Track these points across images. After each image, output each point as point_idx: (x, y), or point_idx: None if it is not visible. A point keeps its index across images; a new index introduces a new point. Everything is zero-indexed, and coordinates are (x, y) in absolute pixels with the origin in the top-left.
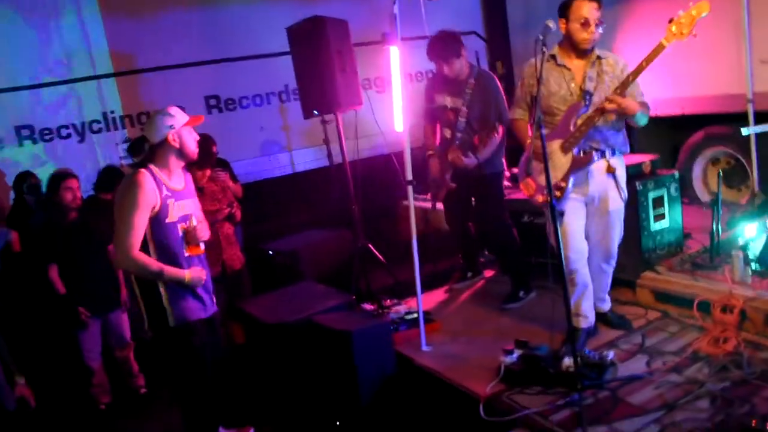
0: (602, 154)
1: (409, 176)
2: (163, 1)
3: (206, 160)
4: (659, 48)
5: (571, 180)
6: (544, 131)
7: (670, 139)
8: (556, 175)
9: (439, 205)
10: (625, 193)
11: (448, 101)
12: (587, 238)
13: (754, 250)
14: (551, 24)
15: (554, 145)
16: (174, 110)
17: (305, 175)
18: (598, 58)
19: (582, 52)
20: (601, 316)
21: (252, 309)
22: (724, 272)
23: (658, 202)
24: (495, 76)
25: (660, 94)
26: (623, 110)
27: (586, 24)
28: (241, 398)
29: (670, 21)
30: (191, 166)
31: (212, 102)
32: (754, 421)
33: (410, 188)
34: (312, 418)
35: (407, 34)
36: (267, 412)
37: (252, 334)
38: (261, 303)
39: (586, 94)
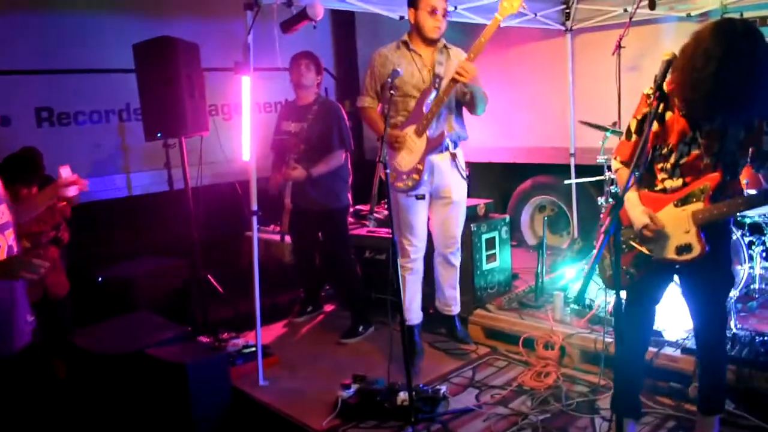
0: (447, 145)
1: (254, 206)
2: None
3: (32, 176)
4: (495, 22)
5: (427, 162)
6: (400, 119)
7: (501, 185)
8: (413, 159)
9: (287, 238)
10: (465, 174)
11: (291, 127)
12: (431, 230)
13: (573, 292)
14: (400, 69)
15: (409, 131)
16: None
17: (143, 199)
18: (445, 47)
19: (430, 41)
20: (448, 320)
21: (79, 340)
22: (546, 311)
23: (490, 243)
24: (341, 107)
25: (494, 143)
26: (472, 75)
27: (433, 12)
28: None
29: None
30: (16, 182)
31: (44, 114)
32: None
33: (255, 218)
34: None
35: (260, 65)
36: None
37: (77, 368)
38: (89, 334)
39: (436, 78)
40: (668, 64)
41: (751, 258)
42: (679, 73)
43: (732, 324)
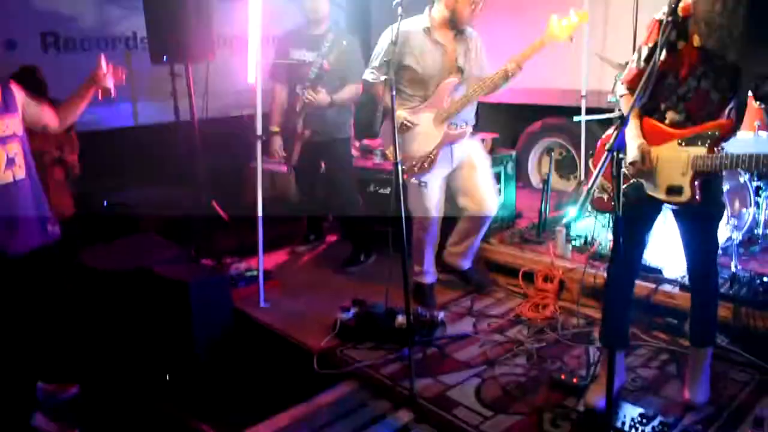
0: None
1: (259, 131)
2: None
3: (35, 92)
4: (538, 45)
5: (440, 153)
6: (416, 104)
7: (510, 125)
8: (428, 146)
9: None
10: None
11: (306, 55)
12: (463, 194)
13: (576, 229)
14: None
15: (427, 117)
16: None
17: (149, 128)
18: (460, 32)
19: (459, 31)
20: (460, 274)
21: (84, 257)
22: (548, 247)
23: (495, 178)
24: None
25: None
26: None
27: (475, 4)
28: (66, 350)
29: (551, 21)
30: None
31: (49, 39)
32: (562, 375)
33: (259, 143)
34: (143, 372)
35: None
36: (95, 367)
37: (82, 284)
38: (94, 252)
39: (459, 70)
40: None
41: (757, 204)
42: (697, 8)
43: (732, 265)
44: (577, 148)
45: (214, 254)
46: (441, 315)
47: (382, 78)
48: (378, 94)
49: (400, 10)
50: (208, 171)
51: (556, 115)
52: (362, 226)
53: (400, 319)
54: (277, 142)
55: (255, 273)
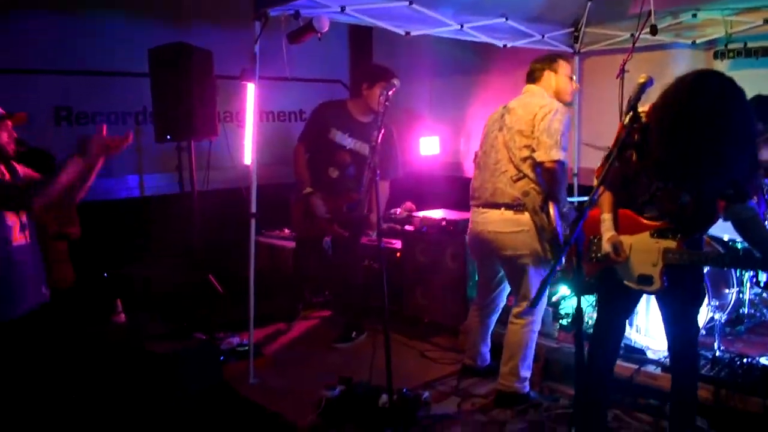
0: None
1: (253, 209)
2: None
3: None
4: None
5: None
6: None
7: None
8: None
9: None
10: None
11: (348, 142)
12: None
13: (565, 308)
14: (396, 82)
15: None
16: None
17: (154, 200)
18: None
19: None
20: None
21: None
22: None
23: None
24: None
25: None
26: None
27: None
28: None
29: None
30: None
31: (63, 113)
32: None
33: (253, 221)
34: None
35: (270, 74)
36: None
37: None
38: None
39: None
40: (642, 87)
41: (740, 282)
42: (654, 126)
43: (715, 345)
44: None
45: (207, 328)
46: (426, 394)
47: None
48: None
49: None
50: (208, 242)
51: None
52: (359, 302)
53: (384, 398)
54: (319, 203)
55: (246, 348)
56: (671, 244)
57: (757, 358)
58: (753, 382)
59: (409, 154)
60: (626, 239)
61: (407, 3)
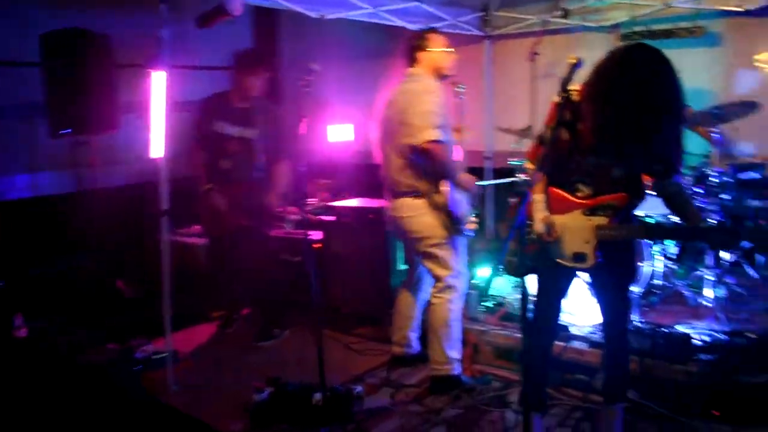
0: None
1: (165, 205)
2: None
3: None
4: None
5: None
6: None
7: None
8: None
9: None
10: None
11: (233, 130)
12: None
13: (488, 290)
14: (315, 66)
15: None
16: None
17: (51, 200)
18: None
19: None
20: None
21: None
22: None
23: None
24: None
25: None
26: None
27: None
28: None
29: None
30: None
31: None
32: None
33: (164, 219)
34: None
35: (176, 62)
36: None
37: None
38: None
39: None
40: (573, 68)
41: (652, 256)
42: (587, 101)
43: (636, 318)
44: (483, 207)
45: (120, 336)
46: (358, 389)
47: None
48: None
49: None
50: (114, 242)
51: None
52: (276, 297)
53: (316, 396)
54: (218, 198)
55: (164, 355)
56: (603, 220)
57: (672, 327)
58: (674, 350)
59: (319, 142)
60: (559, 218)
61: None
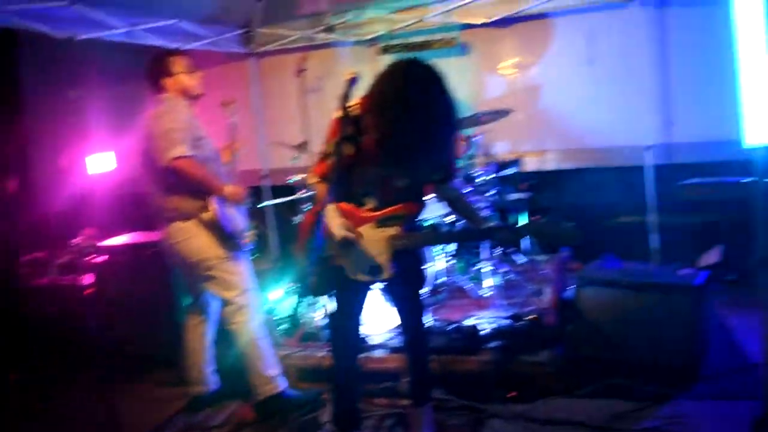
0: None
1: None
2: None
3: None
4: None
5: None
6: None
7: None
8: None
9: None
10: None
11: None
12: None
13: (283, 312)
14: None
15: None
16: None
17: None
18: None
19: None
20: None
21: None
22: None
23: None
24: None
25: None
26: None
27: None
28: None
29: None
30: None
31: None
32: None
33: None
34: None
35: None
36: None
37: None
38: None
39: None
40: (350, 83)
41: (433, 257)
42: (370, 114)
43: (428, 318)
44: (265, 227)
45: None
46: None
47: None
48: None
49: None
50: None
51: None
52: None
53: None
54: None
55: None
56: (394, 231)
57: (461, 322)
58: (466, 343)
59: (75, 175)
60: None
61: (67, 3)
